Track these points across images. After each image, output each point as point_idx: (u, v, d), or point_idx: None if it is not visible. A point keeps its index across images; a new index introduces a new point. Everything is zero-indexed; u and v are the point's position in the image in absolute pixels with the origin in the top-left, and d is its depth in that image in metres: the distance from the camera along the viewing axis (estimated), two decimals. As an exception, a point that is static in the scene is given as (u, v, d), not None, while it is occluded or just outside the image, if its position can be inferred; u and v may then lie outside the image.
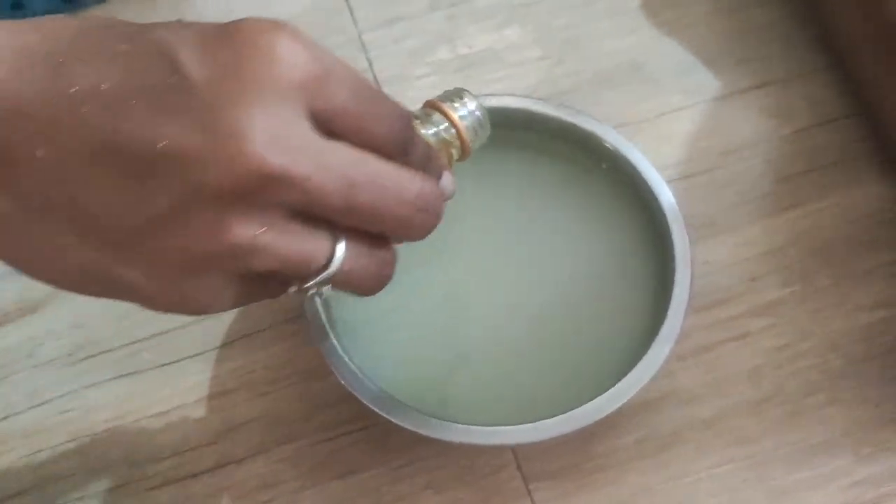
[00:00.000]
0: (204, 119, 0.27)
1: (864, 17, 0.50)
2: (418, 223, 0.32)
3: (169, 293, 0.30)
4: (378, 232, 0.32)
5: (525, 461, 0.46)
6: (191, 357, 0.49)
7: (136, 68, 0.27)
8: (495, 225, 0.46)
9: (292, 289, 0.32)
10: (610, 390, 0.40)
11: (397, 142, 0.31)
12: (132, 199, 0.28)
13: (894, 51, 0.49)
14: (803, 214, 0.51)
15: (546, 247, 0.46)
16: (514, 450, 0.46)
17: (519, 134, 0.48)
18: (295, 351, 0.48)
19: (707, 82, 0.56)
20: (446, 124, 0.37)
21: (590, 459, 0.46)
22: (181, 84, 0.27)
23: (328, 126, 0.29)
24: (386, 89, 0.55)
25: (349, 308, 0.44)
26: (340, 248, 0.31)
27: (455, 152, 0.38)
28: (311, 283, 0.31)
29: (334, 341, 0.41)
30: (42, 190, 0.28)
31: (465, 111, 0.37)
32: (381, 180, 0.30)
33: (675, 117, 0.55)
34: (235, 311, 0.50)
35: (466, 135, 0.37)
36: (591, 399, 0.40)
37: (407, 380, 0.43)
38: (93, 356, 0.49)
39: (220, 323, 0.49)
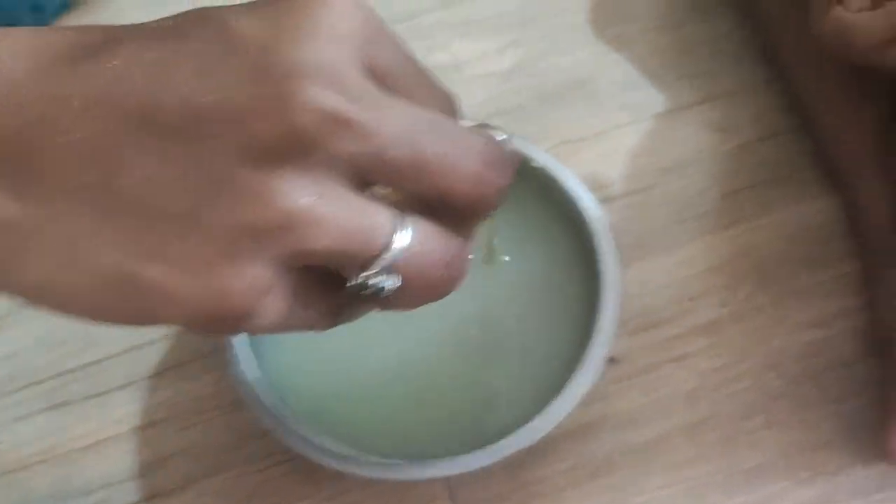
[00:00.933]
0: (254, 66, 0.24)
1: (796, 31, 0.49)
2: (489, 182, 0.28)
3: (205, 287, 0.24)
4: (445, 201, 0.27)
5: (457, 490, 0.45)
6: (121, 388, 0.48)
7: (182, 37, 0.25)
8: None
9: (352, 281, 0.27)
10: (531, 422, 0.39)
11: (448, 113, 0.29)
12: (174, 168, 0.24)
13: (821, 65, 0.48)
14: (743, 232, 0.50)
15: (472, 269, 0.45)
16: (447, 479, 0.45)
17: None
18: (224, 381, 0.47)
19: (650, 98, 0.55)
20: None
21: (523, 487, 0.45)
22: (229, 40, 0.25)
23: (380, 84, 0.26)
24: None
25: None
26: (404, 222, 0.27)
27: None
28: (373, 270, 0.26)
29: (244, 371, 0.40)
30: (70, 179, 0.24)
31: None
32: (447, 132, 0.27)
33: (618, 134, 0.54)
34: (166, 340, 0.49)
35: None
36: (515, 430, 0.39)
37: (330, 409, 0.42)
38: (23, 388, 0.48)
39: (150, 353, 0.48)
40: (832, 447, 0.46)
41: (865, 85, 0.48)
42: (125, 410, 0.48)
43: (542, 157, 0.45)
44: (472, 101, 0.56)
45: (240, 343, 0.41)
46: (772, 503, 0.45)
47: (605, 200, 0.51)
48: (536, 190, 0.46)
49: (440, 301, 0.43)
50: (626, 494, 0.45)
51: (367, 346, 0.44)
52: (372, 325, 0.42)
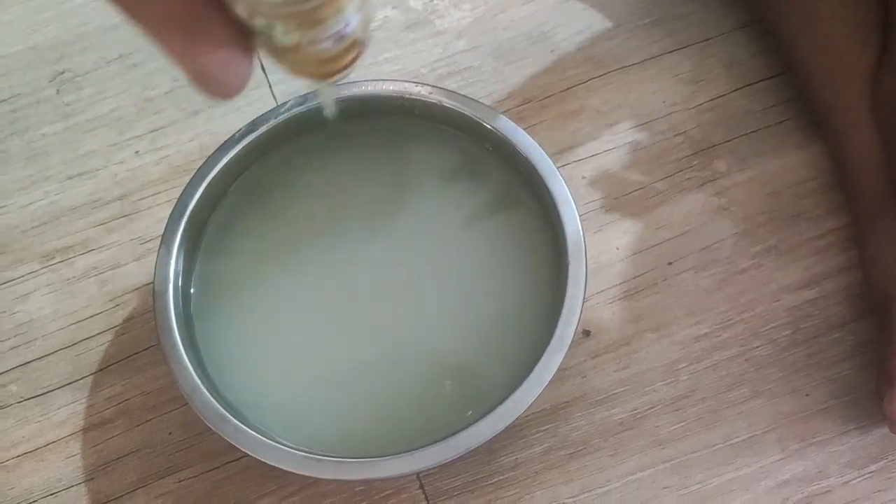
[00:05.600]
0: None
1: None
2: None
3: None
4: None
5: (428, 480, 0.42)
6: (63, 386, 0.45)
7: None
8: (382, 225, 0.42)
9: None
10: (491, 414, 0.36)
11: None
12: None
13: (811, 4, 0.45)
14: (722, 189, 0.47)
15: (437, 246, 0.42)
16: (415, 468, 0.42)
17: (400, 121, 0.43)
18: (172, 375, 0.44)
19: (616, 49, 0.51)
20: None
21: (496, 473, 0.42)
22: None
23: None
24: (274, 75, 0.50)
25: (213, 328, 0.40)
26: None
27: None
28: None
29: (192, 373, 0.37)
30: None
31: None
32: None
33: (583, 90, 0.50)
34: (111, 331, 0.45)
35: None
36: (477, 420, 0.36)
37: (285, 408, 0.39)
38: (-43, 392, 0.45)
39: (93, 347, 0.45)
40: (825, 415, 0.43)
41: (857, 24, 0.45)
42: (69, 411, 0.44)
43: (499, 123, 0.41)
44: (423, 62, 0.52)
45: (176, 342, 0.38)
46: (762, 478, 0.42)
47: (574, 161, 0.48)
48: (498, 159, 0.42)
49: (401, 282, 0.40)
50: (605, 476, 0.42)
51: (322, 337, 0.40)
52: (335, 314, 0.39)
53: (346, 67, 0.29)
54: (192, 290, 0.41)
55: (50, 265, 0.47)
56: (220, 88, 0.25)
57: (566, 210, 0.39)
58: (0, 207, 0.49)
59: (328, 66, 0.29)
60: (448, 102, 0.42)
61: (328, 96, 0.41)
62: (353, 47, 0.28)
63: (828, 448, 0.42)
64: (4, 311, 0.46)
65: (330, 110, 0.42)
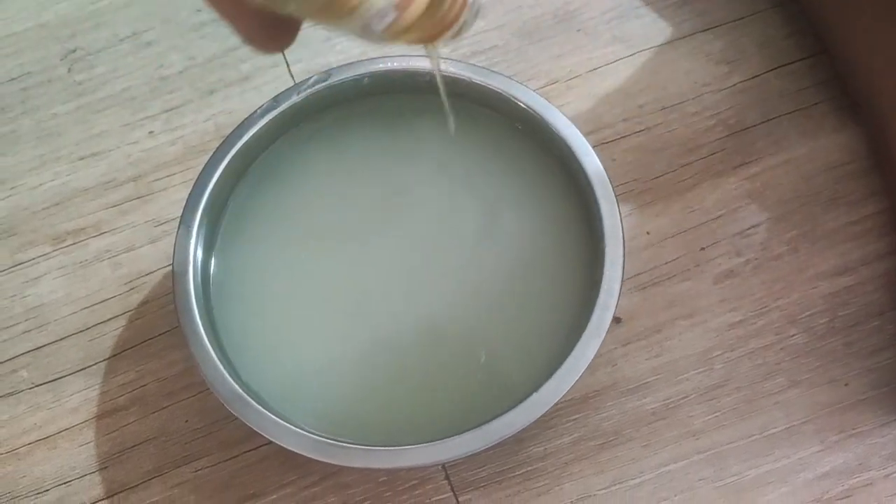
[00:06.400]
0: None
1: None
2: None
3: None
4: None
5: (454, 470, 0.41)
6: (75, 372, 0.43)
7: None
8: (408, 206, 0.41)
9: None
10: (526, 401, 0.35)
11: None
12: None
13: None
14: (756, 173, 0.45)
15: (464, 227, 0.40)
16: (440, 458, 0.41)
17: (428, 98, 0.42)
18: (192, 359, 0.42)
19: (645, 28, 0.50)
20: None
21: (524, 464, 0.41)
22: None
23: None
24: (293, 54, 0.49)
25: (233, 311, 0.38)
26: None
27: None
28: None
29: (214, 356, 0.35)
30: None
31: None
32: None
33: (611, 70, 0.49)
34: (125, 315, 0.44)
35: None
36: (512, 407, 0.35)
37: (307, 394, 0.38)
38: (-34, 377, 0.43)
39: (108, 331, 0.43)
40: (865, 406, 0.41)
41: None
42: (82, 398, 0.43)
43: (531, 100, 0.40)
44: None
45: (197, 327, 0.36)
46: (800, 470, 0.40)
47: (602, 143, 0.47)
48: (527, 138, 0.41)
49: (430, 268, 0.39)
50: (638, 467, 0.41)
51: (344, 321, 0.39)
52: (360, 297, 0.38)
53: (441, 34, 0.27)
54: (211, 272, 0.39)
55: (61, 248, 0.46)
56: (268, 44, 0.27)
57: (602, 190, 0.38)
58: (10, 188, 0.47)
59: (407, 36, 0.26)
60: (478, 79, 0.41)
61: (435, 61, 0.37)
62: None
63: (868, 440, 0.41)
64: (15, 295, 0.45)
65: (437, 75, 0.39)
